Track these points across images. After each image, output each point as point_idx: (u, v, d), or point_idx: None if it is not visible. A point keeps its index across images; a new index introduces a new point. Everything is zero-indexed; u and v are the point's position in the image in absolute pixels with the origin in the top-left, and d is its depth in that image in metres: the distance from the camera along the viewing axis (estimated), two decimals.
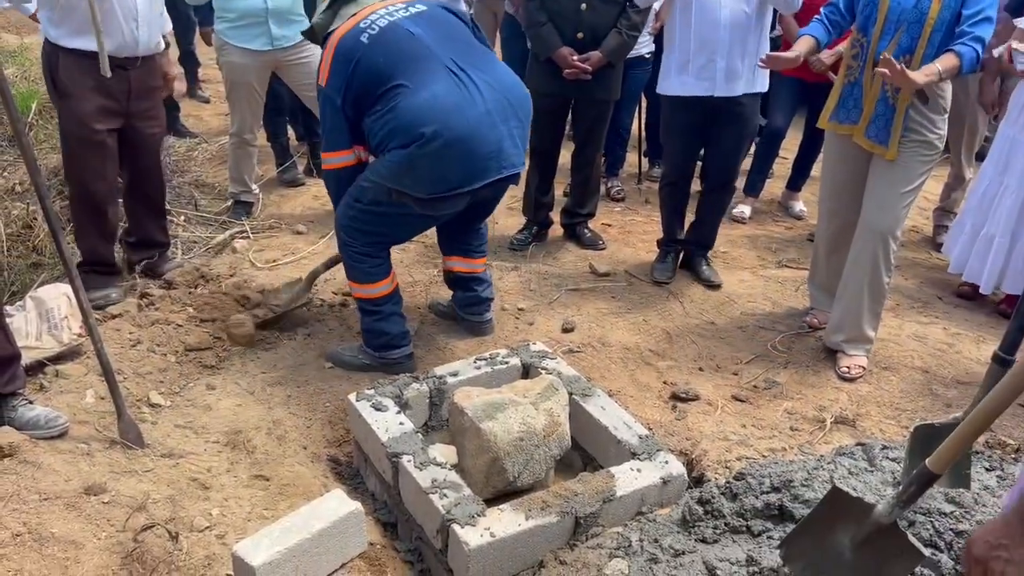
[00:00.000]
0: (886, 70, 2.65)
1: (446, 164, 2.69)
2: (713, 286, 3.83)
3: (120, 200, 3.47)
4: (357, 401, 2.44)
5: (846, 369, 3.11)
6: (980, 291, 3.76)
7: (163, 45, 3.29)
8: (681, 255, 3.98)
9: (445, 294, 3.45)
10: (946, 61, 2.72)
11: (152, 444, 2.52)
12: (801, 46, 3.04)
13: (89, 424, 2.58)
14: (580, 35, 3.73)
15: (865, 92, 2.95)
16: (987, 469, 2.50)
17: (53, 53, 3.04)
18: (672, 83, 3.56)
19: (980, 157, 4.21)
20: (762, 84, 3.57)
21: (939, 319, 3.65)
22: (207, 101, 6.68)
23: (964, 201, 4.19)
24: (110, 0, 2.96)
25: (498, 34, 5.75)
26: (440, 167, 2.69)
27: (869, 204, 3.03)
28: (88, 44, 2.97)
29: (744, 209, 4.76)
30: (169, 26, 3.42)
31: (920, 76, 2.68)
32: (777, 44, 4.65)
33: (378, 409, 2.40)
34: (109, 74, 2.76)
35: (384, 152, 2.75)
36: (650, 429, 2.56)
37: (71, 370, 2.83)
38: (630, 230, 4.54)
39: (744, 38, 3.42)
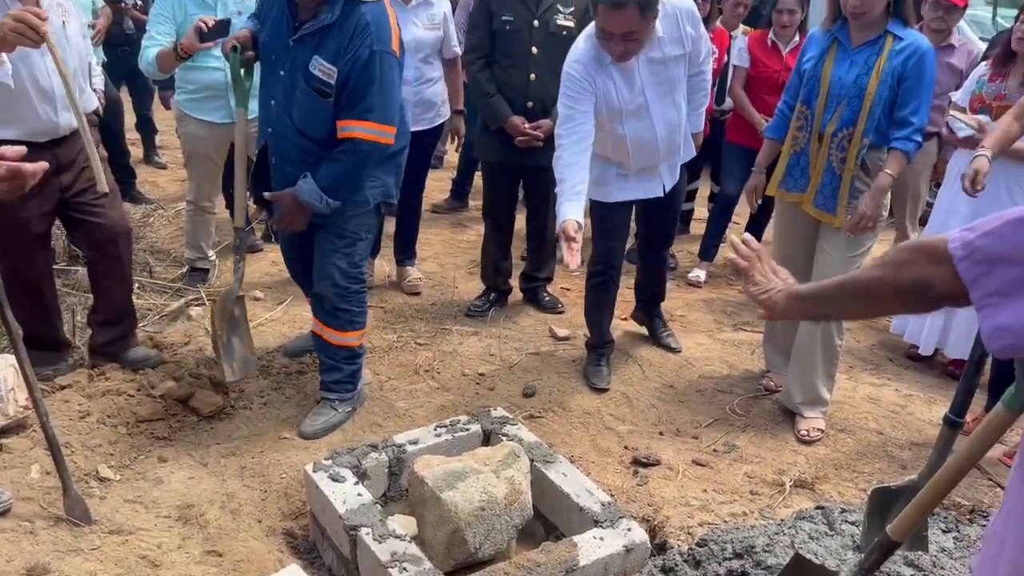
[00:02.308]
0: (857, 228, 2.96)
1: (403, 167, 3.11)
2: (673, 351, 3.86)
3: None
4: (314, 472, 2.39)
5: (805, 432, 3.15)
6: (920, 352, 3.86)
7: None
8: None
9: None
10: (896, 164, 2.91)
11: (100, 520, 2.44)
12: (766, 152, 3.32)
13: (33, 501, 2.49)
14: (530, 104, 3.80)
15: (812, 162, 3.06)
16: (943, 531, 2.53)
17: None
18: (611, 191, 3.33)
19: (923, 222, 4.36)
20: (692, 151, 3.51)
21: (891, 381, 3.72)
22: (164, 167, 6.65)
23: None
24: (23, 83, 2.77)
25: None
26: (401, 170, 3.10)
27: (819, 269, 3.11)
28: (6, 132, 2.75)
29: (699, 273, 4.84)
30: (92, 104, 3.24)
31: (880, 196, 2.93)
32: (724, 115, 4.81)
33: (335, 480, 2.35)
34: (107, 190, 2.66)
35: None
36: (612, 496, 2.54)
37: (16, 444, 2.73)
38: None
39: (679, 136, 3.30)
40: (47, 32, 2.41)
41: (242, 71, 2.95)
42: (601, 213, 3.43)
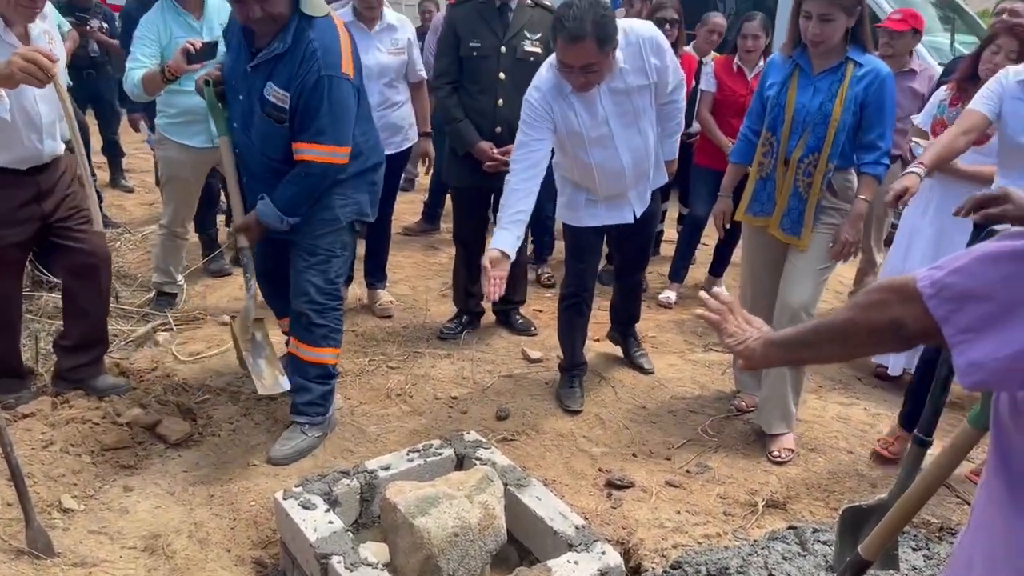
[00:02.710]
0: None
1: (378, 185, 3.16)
2: (646, 372, 3.87)
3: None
4: (284, 499, 2.35)
5: (777, 453, 3.16)
6: (888, 372, 3.91)
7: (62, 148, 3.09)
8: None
9: None
10: (869, 190, 2.96)
11: (63, 552, 2.38)
12: (731, 176, 3.34)
13: None
14: (498, 129, 3.80)
15: (778, 187, 3.09)
16: (913, 549, 2.55)
17: None
18: (582, 216, 3.36)
19: (889, 243, 4.44)
20: (664, 177, 3.53)
21: (860, 400, 3.76)
22: (131, 191, 6.58)
23: None
24: (13, 113, 2.77)
25: None
26: (377, 188, 3.14)
27: (785, 284, 3.13)
28: None
29: (670, 295, 4.88)
30: (67, 133, 3.18)
31: (859, 222, 3.00)
32: (691, 138, 4.87)
33: (306, 507, 2.31)
34: (102, 228, 2.69)
35: (349, 173, 2.96)
36: (586, 519, 2.54)
37: None
38: None
39: (647, 163, 3.29)
40: (56, 74, 2.43)
41: (219, 104, 2.99)
42: (573, 236, 3.45)
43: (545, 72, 3.07)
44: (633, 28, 3.05)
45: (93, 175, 5.64)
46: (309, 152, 2.79)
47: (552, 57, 3.03)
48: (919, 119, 3.75)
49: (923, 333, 1.01)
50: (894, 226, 4.58)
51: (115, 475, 2.79)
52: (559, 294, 3.60)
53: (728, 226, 3.45)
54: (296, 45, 2.72)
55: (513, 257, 2.86)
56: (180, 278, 4.34)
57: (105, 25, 6.31)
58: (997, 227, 1.83)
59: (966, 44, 6.65)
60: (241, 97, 2.89)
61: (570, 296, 3.51)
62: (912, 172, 2.73)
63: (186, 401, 3.25)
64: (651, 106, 3.20)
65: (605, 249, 3.73)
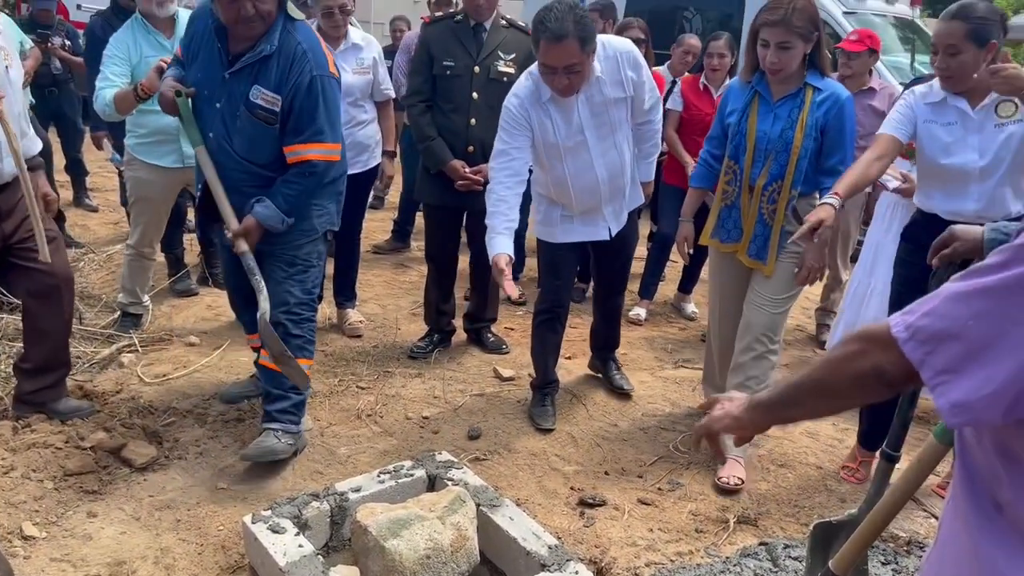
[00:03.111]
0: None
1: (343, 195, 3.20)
2: (624, 393, 3.83)
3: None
4: (252, 523, 2.32)
5: (726, 480, 3.06)
6: None
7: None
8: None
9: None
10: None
11: None
12: (692, 201, 3.33)
13: None
14: (471, 148, 3.81)
15: (744, 214, 3.08)
16: (883, 563, 2.58)
17: None
18: (556, 232, 3.38)
19: (855, 259, 4.51)
20: (640, 198, 3.54)
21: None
22: (95, 210, 6.48)
23: (842, 300, 4.46)
24: None
25: (398, 145, 5.86)
26: (342, 197, 3.18)
27: (749, 307, 3.12)
28: None
29: (640, 311, 4.90)
30: (37, 147, 3.14)
31: (822, 247, 2.91)
32: (661, 157, 4.92)
33: (275, 531, 2.28)
34: (49, 259, 2.66)
35: (330, 178, 3.00)
36: (559, 538, 2.52)
37: None
38: None
39: (623, 179, 3.32)
40: (2, 111, 2.45)
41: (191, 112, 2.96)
42: (548, 252, 3.47)
43: (524, 80, 3.12)
44: (611, 43, 3.11)
45: (56, 193, 5.58)
46: (312, 152, 2.84)
47: (533, 66, 3.07)
48: None
49: (904, 378, 1.01)
50: (860, 242, 4.65)
51: (78, 501, 2.73)
52: (534, 310, 3.60)
53: (692, 252, 3.44)
54: (283, 47, 2.75)
55: (514, 259, 2.96)
56: (146, 298, 4.28)
57: (68, 42, 6.24)
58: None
59: (925, 64, 6.81)
60: (218, 105, 2.85)
61: (545, 312, 3.52)
62: (827, 203, 2.68)
63: (152, 424, 3.19)
64: (627, 121, 3.24)
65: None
